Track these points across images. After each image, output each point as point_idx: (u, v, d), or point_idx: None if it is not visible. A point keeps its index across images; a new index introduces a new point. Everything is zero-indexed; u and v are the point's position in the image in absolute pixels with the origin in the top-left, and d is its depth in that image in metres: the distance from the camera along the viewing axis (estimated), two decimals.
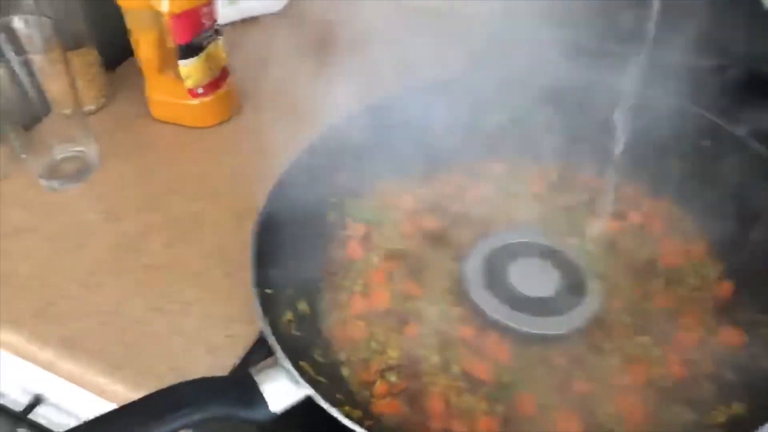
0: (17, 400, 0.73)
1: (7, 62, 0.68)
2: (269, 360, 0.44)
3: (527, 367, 0.48)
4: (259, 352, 0.55)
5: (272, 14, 0.97)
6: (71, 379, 0.58)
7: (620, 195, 0.58)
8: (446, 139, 0.62)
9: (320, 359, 0.48)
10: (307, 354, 0.47)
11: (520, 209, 0.59)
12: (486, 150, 0.62)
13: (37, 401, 0.71)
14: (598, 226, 0.56)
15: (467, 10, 0.89)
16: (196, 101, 0.76)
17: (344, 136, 0.59)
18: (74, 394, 0.61)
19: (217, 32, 0.75)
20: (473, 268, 0.52)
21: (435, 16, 0.91)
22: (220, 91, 0.77)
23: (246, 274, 0.61)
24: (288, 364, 0.42)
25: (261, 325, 0.45)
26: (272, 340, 0.43)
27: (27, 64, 0.65)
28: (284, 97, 0.82)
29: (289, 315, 0.49)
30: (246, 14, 0.96)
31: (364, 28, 0.92)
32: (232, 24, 0.94)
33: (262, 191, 0.69)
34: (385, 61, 0.84)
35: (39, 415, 0.71)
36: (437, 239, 0.57)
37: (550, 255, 0.53)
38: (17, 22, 0.68)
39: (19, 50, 0.68)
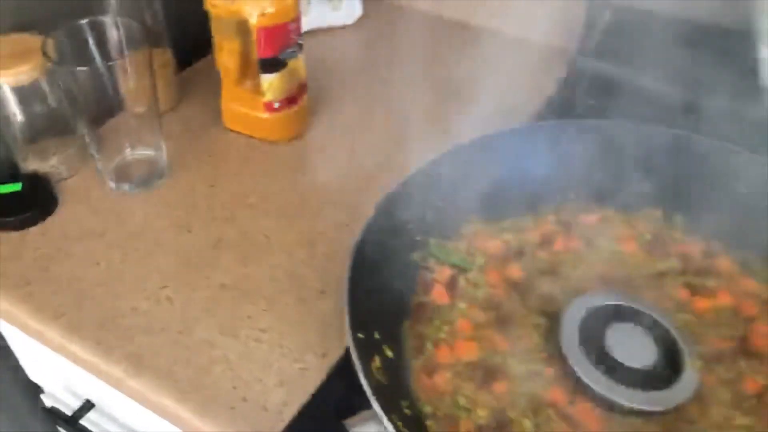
0: (69, 404, 0.72)
1: (92, 61, 0.67)
2: (365, 414, 0.42)
3: None
4: (330, 389, 0.54)
5: (343, 27, 0.96)
6: (135, 396, 0.56)
7: (713, 268, 0.56)
8: (537, 185, 0.60)
9: (407, 411, 0.47)
10: (395, 406, 0.46)
11: (608, 268, 0.57)
12: (577, 200, 0.61)
13: (87, 406, 0.69)
14: (690, 300, 0.54)
15: (556, 44, 0.87)
16: (271, 115, 0.74)
17: (436, 174, 0.57)
18: (127, 404, 0.60)
19: (300, 47, 0.73)
20: (569, 329, 0.50)
21: (518, 47, 0.89)
22: (296, 107, 0.75)
23: (319, 303, 0.60)
24: (388, 424, 0.40)
25: (360, 376, 0.43)
26: (372, 397, 0.42)
27: (109, 63, 0.64)
28: (355, 115, 0.82)
29: (377, 361, 0.48)
30: (316, 25, 0.94)
31: (439, 50, 0.91)
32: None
33: (331, 216, 0.68)
34: (460, 87, 0.83)
35: (89, 420, 0.70)
36: (524, 290, 0.55)
37: (647, 323, 0.51)
38: (104, 22, 0.67)
39: (104, 49, 0.67)
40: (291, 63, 0.72)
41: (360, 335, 0.47)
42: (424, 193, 0.57)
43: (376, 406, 0.41)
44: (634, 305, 0.52)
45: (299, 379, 0.55)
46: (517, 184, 0.61)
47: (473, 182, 0.59)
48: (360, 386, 0.43)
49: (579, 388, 0.48)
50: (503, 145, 0.60)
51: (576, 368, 0.48)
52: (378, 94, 0.84)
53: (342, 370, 0.55)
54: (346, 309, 0.47)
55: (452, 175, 0.59)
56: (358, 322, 0.47)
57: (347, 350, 0.56)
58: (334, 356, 0.56)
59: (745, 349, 0.51)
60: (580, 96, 0.77)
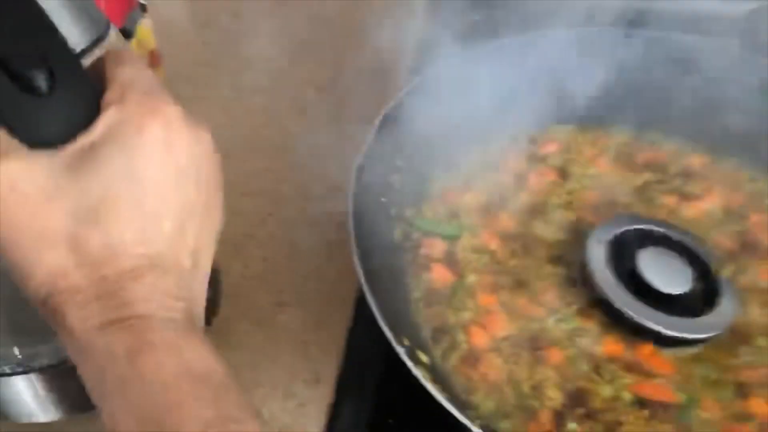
0: None
1: None
2: None
3: (694, 375, 0.42)
4: (344, 421, 0.44)
5: None
6: None
7: (689, 169, 0.54)
8: (483, 116, 0.53)
9: (484, 420, 0.38)
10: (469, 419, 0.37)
11: (591, 193, 0.52)
12: (533, 129, 0.55)
13: None
14: (680, 206, 0.52)
15: None
16: None
17: (391, 132, 0.48)
18: None
19: (143, 8, 0.57)
20: (600, 271, 0.45)
21: None
22: None
23: (279, 316, 0.49)
24: None
25: (440, 399, 0.34)
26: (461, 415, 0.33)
27: None
28: (222, 77, 0.68)
29: (424, 374, 0.38)
30: None
31: None
32: None
33: (247, 210, 0.56)
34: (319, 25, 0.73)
35: None
36: (523, 241, 0.49)
37: (664, 241, 0.47)
38: None
39: None
40: (138, 31, 0.57)
41: (407, 344, 0.37)
42: (387, 156, 0.47)
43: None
44: (644, 226, 0.48)
45: (300, 418, 0.44)
46: (461, 121, 0.53)
47: (421, 130, 0.51)
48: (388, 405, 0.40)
49: (630, 332, 0.43)
50: (445, 79, 0.52)
51: (628, 311, 0.43)
52: (238, 52, 0.71)
53: (348, 393, 0.45)
54: (381, 322, 0.37)
55: (403, 128, 0.49)
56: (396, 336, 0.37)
57: (345, 368, 0.47)
58: (330, 377, 0.46)
59: (748, 244, 0.50)
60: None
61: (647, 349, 0.43)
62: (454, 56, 0.54)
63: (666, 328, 0.42)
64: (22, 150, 0.23)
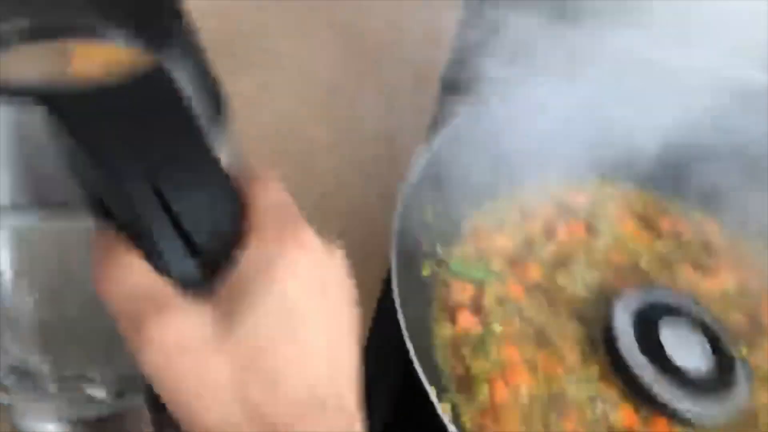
0: None
1: None
2: None
3: None
4: None
5: None
6: None
7: (709, 243, 0.54)
8: (521, 165, 0.53)
9: None
10: None
11: (615, 255, 0.52)
12: (557, 175, 0.55)
13: None
14: (701, 280, 0.52)
15: None
16: None
17: (433, 165, 0.47)
18: None
19: None
20: (627, 343, 0.45)
21: None
22: None
23: None
24: None
25: None
26: None
27: None
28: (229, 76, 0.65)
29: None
30: None
31: None
32: None
33: None
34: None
35: None
36: (549, 294, 0.48)
37: (687, 317, 0.47)
38: None
39: None
40: None
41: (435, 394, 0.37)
42: (425, 190, 0.46)
43: None
44: (671, 301, 0.48)
45: None
46: (495, 163, 0.52)
47: (455, 169, 0.50)
48: None
49: (646, 402, 0.44)
50: (482, 119, 0.51)
51: (650, 383, 0.43)
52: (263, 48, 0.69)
53: None
54: (419, 370, 0.36)
55: (442, 164, 0.49)
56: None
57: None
58: None
59: (758, 324, 0.51)
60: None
61: (661, 425, 0.43)
62: (491, 97, 0.53)
63: (684, 406, 0.43)
64: (183, 301, 0.22)
